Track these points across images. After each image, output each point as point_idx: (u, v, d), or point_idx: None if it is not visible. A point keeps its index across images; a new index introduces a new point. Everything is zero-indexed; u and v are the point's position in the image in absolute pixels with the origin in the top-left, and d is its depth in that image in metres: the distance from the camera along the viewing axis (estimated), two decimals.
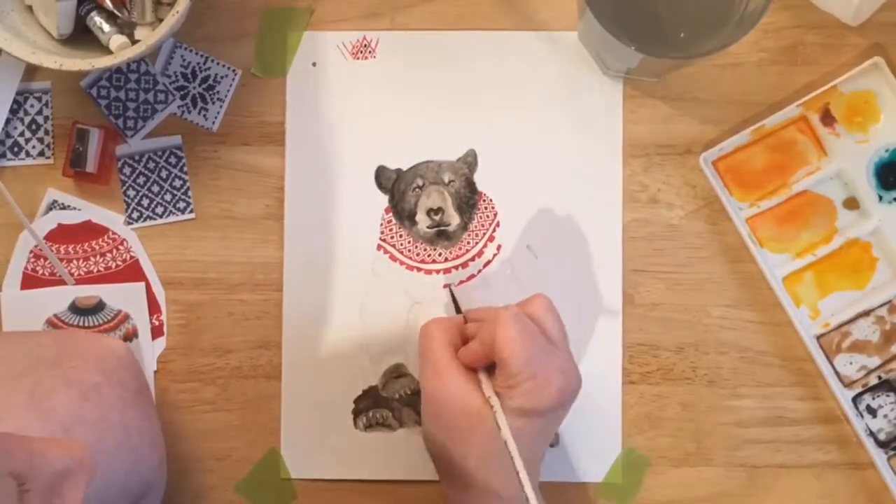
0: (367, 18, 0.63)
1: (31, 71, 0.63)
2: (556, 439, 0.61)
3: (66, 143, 0.62)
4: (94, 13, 0.59)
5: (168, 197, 0.63)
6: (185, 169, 0.63)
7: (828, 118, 0.61)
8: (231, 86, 0.63)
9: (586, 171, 0.62)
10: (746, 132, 0.60)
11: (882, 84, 0.61)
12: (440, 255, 0.62)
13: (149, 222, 0.63)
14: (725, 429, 0.61)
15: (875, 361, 0.60)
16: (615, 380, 0.61)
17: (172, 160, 0.63)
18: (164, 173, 0.63)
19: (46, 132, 0.63)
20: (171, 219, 0.63)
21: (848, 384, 0.60)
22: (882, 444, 0.60)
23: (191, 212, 0.63)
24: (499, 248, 0.62)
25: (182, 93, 0.63)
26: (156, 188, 0.63)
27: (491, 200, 0.62)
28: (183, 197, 0.63)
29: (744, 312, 0.61)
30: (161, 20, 0.58)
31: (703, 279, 0.61)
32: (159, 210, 0.63)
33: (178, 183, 0.63)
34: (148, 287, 0.62)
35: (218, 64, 0.63)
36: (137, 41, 0.58)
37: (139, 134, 0.63)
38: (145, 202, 0.63)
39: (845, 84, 0.60)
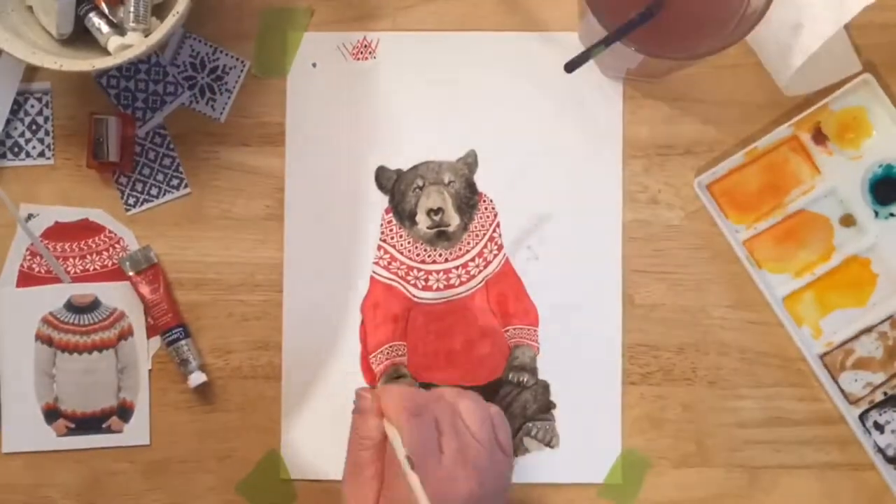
0: (368, 19, 0.63)
1: (32, 71, 0.63)
2: (556, 440, 0.61)
3: (73, 139, 0.62)
4: (92, 14, 0.59)
5: (160, 177, 0.63)
6: (172, 146, 0.63)
7: (819, 136, 0.61)
8: (239, 77, 0.63)
9: (586, 171, 0.62)
10: (739, 154, 0.60)
11: (872, 100, 0.61)
12: (440, 255, 0.62)
13: (146, 205, 0.63)
14: (726, 429, 0.61)
15: (880, 377, 0.60)
16: (615, 380, 0.61)
17: (158, 140, 0.63)
18: (151, 154, 0.63)
19: (47, 133, 0.63)
20: (168, 197, 0.63)
21: (854, 401, 0.60)
22: (891, 461, 0.59)
23: (186, 187, 0.63)
24: (499, 248, 0.62)
25: (190, 83, 0.63)
26: (146, 171, 0.63)
27: (491, 201, 0.62)
28: (175, 174, 0.63)
29: (744, 313, 0.61)
30: (160, 20, 0.58)
31: (703, 280, 0.61)
32: (154, 191, 0.63)
33: (167, 161, 0.63)
34: None
35: (226, 55, 0.63)
36: (130, 45, 0.58)
37: (148, 125, 0.63)
38: (139, 186, 0.63)
39: (835, 102, 0.60)
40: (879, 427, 0.60)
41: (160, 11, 0.60)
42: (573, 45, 0.62)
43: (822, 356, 0.60)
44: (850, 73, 0.60)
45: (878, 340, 0.60)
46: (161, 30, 0.56)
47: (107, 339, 0.62)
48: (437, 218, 0.62)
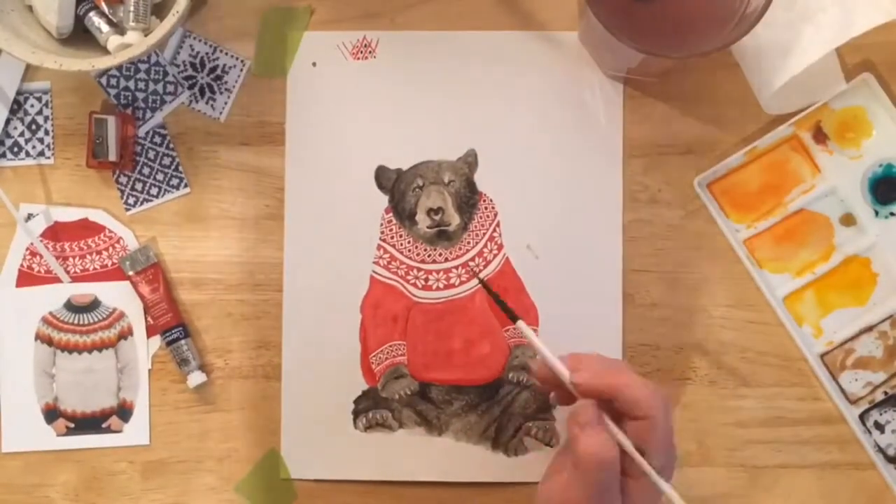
0: (367, 18, 0.63)
1: (32, 71, 0.63)
2: (556, 440, 0.61)
3: (73, 138, 0.62)
4: (92, 13, 0.60)
5: (160, 176, 0.63)
6: (172, 146, 0.63)
7: (820, 135, 0.61)
8: (239, 77, 0.63)
9: (586, 171, 0.62)
10: (739, 154, 0.60)
11: (872, 100, 0.61)
12: (440, 254, 0.62)
13: (146, 205, 0.63)
14: (726, 429, 0.61)
15: (880, 377, 0.60)
16: None
17: (157, 139, 0.63)
18: (151, 154, 0.63)
19: (46, 132, 0.63)
20: (168, 197, 0.63)
21: (854, 401, 0.60)
22: (891, 460, 0.59)
23: (185, 186, 0.63)
24: (499, 247, 0.62)
25: (190, 82, 0.63)
26: (146, 170, 0.63)
27: (491, 200, 0.62)
28: (175, 174, 0.63)
29: (744, 313, 0.61)
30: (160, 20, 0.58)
31: (703, 279, 0.61)
32: (154, 191, 0.63)
33: (167, 161, 0.63)
34: None
35: (226, 54, 0.63)
36: (130, 45, 0.58)
37: (147, 124, 0.63)
38: (139, 186, 0.63)
39: (836, 101, 0.60)
40: (880, 426, 0.60)
41: (160, 11, 0.60)
42: (573, 44, 0.62)
43: (823, 356, 0.60)
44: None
45: (878, 340, 0.60)
46: (161, 29, 0.56)
47: (106, 338, 0.62)
48: (437, 217, 0.62)
